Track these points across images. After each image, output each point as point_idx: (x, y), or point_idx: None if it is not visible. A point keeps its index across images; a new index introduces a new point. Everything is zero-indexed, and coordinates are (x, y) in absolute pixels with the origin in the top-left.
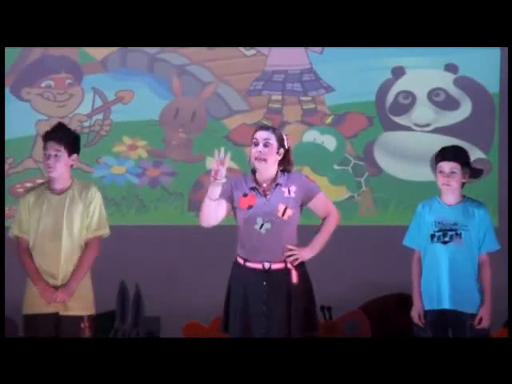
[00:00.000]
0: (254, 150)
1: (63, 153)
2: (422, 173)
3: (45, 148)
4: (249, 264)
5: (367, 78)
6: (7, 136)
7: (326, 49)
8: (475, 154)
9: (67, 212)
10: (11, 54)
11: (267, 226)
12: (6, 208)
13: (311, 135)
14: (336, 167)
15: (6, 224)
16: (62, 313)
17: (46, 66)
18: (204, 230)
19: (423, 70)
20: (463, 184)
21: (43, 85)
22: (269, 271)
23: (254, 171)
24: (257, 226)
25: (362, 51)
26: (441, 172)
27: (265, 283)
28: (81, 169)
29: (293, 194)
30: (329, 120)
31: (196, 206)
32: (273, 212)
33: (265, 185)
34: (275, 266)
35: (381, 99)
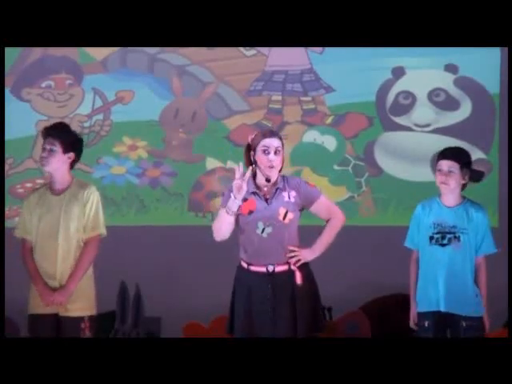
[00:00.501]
0: (266, 158)
1: (58, 148)
2: (422, 173)
3: (43, 144)
4: (252, 268)
5: (367, 78)
6: (7, 136)
7: (326, 49)
8: (475, 155)
9: (64, 212)
10: (11, 54)
11: (268, 230)
12: (6, 208)
13: (311, 135)
14: (336, 167)
15: (6, 224)
16: (61, 314)
17: (46, 67)
18: (204, 230)
19: (423, 70)
20: (464, 186)
21: (43, 85)
22: (273, 274)
23: (253, 175)
24: (258, 231)
25: (362, 51)
26: (439, 170)
27: (269, 286)
28: (81, 169)
29: (292, 199)
30: (329, 120)
31: (196, 206)
32: (274, 216)
33: (265, 189)
34: (279, 269)
35: (381, 99)
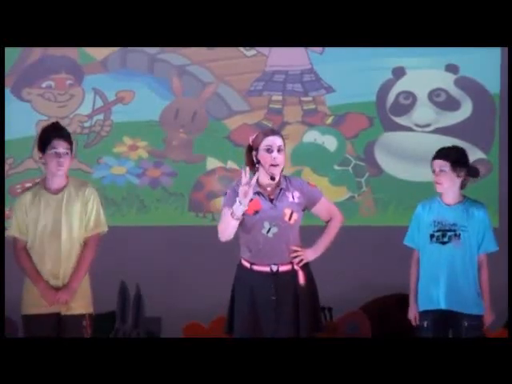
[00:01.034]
0: (269, 157)
1: (69, 151)
2: (422, 173)
3: (52, 146)
4: (256, 267)
5: (368, 78)
6: (8, 136)
7: (327, 49)
8: (476, 155)
9: (65, 211)
10: (11, 54)
11: (274, 230)
12: (7, 209)
13: (312, 135)
14: (336, 167)
15: (6, 224)
16: (63, 312)
17: (47, 67)
18: (204, 230)
19: (424, 70)
20: (463, 184)
21: (44, 85)
22: (277, 274)
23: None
24: (264, 231)
25: (362, 51)
26: (433, 171)
27: (273, 286)
28: (81, 169)
29: (296, 200)
30: (329, 120)
31: (196, 206)
32: (280, 216)
33: (269, 189)
34: (283, 269)
35: (381, 99)
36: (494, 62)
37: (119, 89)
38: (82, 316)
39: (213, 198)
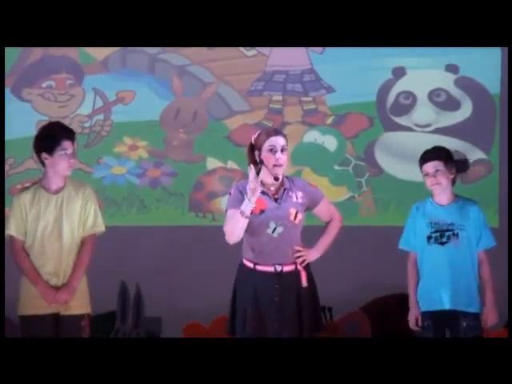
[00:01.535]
0: (273, 157)
1: (75, 151)
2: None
3: (63, 147)
4: (259, 267)
5: (368, 78)
6: (8, 136)
7: (327, 49)
8: (476, 155)
9: (66, 211)
10: (11, 54)
11: (279, 230)
12: (7, 209)
13: (312, 136)
14: (337, 167)
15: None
16: (62, 312)
17: (47, 67)
18: (204, 230)
19: (424, 70)
20: (454, 181)
21: (44, 85)
22: (281, 274)
23: (258, 173)
24: (269, 230)
25: (362, 51)
26: (427, 175)
27: (277, 286)
28: (81, 169)
29: (300, 200)
30: (329, 120)
31: (197, 206)
32: (285, 216)
33: (272, 188)
34: (286, 269)
35: (381, 99)
36: (494, 62)
37: (119, 89)
38: (80, 316)
39: (213, 198)
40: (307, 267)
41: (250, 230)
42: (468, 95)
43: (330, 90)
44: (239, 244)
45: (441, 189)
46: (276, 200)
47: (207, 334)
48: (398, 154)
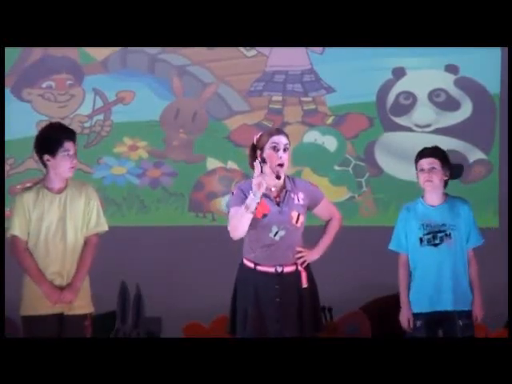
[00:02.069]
0: (276, 155)
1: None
2: None
3: (65, 148)
4: (260, 268)
5: (368, 78)
6: (8, 136)
7: (327, 49)
8: (476, 155)
9: (69, 210)
10: (11, 54)
11: (282, 233)
12: (7, 209)
13: (312, 136)
14: (336, 168)
15: (6, 224)
16: (66, 312)
17: (47, 67)
18: (204, 231)
19: (424, 70)
20: (446, 183)
21: (44, 85)
22: (281, 274)
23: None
24: (271, 234)
25: (362, 51)
26: (422, 170)
27: (277, 286)
28: (81, 169)
29: (301, 202)
30: (329, 121)
31: (197, 206)
32: (288, 220)
33: (273, 189)
34: (287, 269)
35: (381, 100)
36: (494, 62)
37: (119, 89)
38: (83, 316)
39: (213, 198)
40: (307, 267)
41: (251, 233)
42: (468, 95)
43: (329, 90)
44: (239, 244)
45: (432, 187)
46: (278, 203)
47: (207, 334)
48: (398, 155)
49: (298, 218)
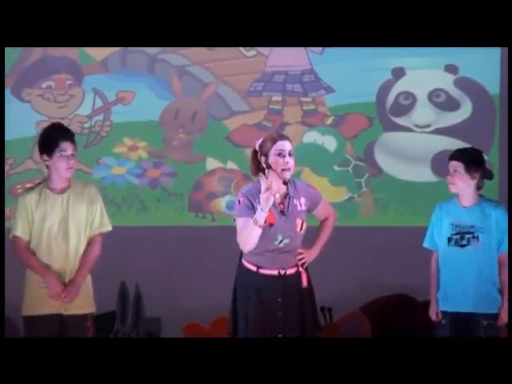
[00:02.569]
0: (282, 161)
1: (75, 152)
2: (422, 174)
3: (61, 148)
4: (262, 271)
5: (367, 78)
6: (8, 137)
7: (326, 49)
8: None
9: (72, 211)
10: (11, 54)
11: (286, 241)
12: (7, 209)
13: (311, 136)
14: (336, 168)
15: (6, 224)
16: (67, 312)
17: (47, 67)
18: (204, 231)
19: (423, 70)
20: (479, 185)
21: (44, 85)
22: (284, 276)
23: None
24: (276, 242)
25: (362, 52)
26: (448, 172)
27: (280, 288)
28: (81, 170)
29: (304, 207)
30: (329, 121)
31: (196, 206)
32: (292, 229)
33: (277, 196)
34: (290, 271)
35: (381, 100)
36: (493, 62)
37: (119, 89)
38: (85, 316)
39: (213, 199)
40: (307, 268)
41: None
42: (468, 95)
43: (329, 90)
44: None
45: (455, 189)
46: (283, 211)
47: (207, 334)
48: (398, 155)
49: (301, 226)
